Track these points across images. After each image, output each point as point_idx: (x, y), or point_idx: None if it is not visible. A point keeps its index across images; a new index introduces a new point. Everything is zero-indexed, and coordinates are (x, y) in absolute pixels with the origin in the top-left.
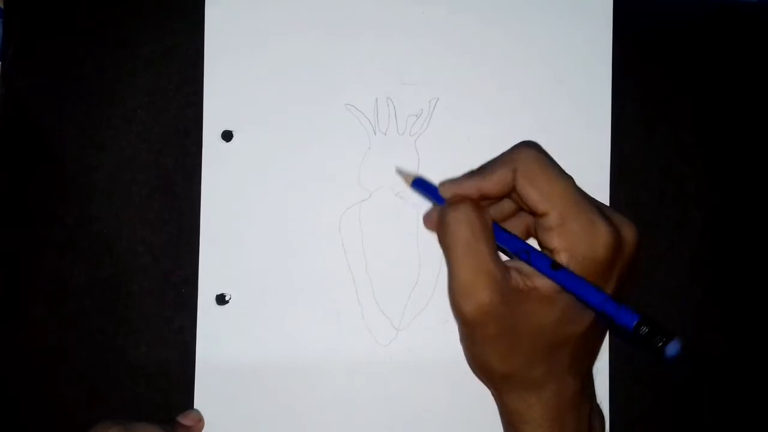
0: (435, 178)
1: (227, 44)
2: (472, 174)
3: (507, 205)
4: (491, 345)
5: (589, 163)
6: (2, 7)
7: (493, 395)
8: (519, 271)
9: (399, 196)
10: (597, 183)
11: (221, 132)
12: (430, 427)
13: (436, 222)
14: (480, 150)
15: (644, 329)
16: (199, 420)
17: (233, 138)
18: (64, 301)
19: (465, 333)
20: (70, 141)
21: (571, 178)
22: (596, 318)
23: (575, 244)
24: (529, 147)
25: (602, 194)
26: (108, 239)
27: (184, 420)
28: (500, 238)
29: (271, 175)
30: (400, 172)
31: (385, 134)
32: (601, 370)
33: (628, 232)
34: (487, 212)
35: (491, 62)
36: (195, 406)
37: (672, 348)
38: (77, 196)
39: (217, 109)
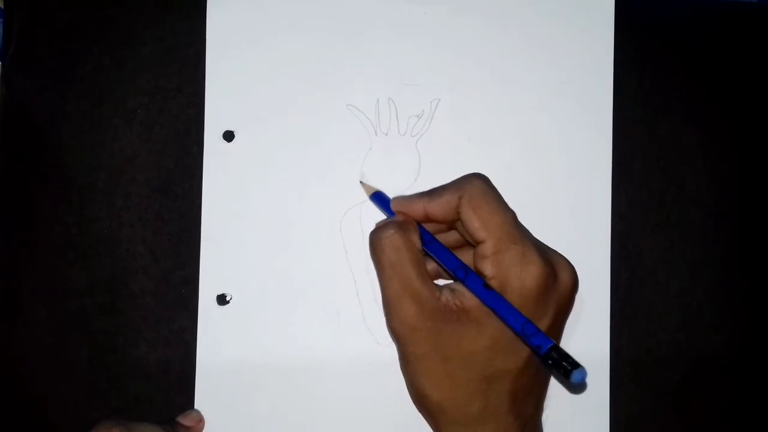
0: (436, 179)
1: (229, 44)
2: (422, 194)
3: (452, 237)
4: (423, 365)
5: (591, 163)
6: (2, 7)
7: None
8: (452, 291)
9: None
10: (598, 183)
11: (223, 132)
12: (429, 427)
13: (369, 244)
14: (481, 151)
15: (554, 355)
16: (200, 420)
17: (235, 138)
18: (64, 301)
19: (399, 354)
20: (70, 141)
21: (513, 212)
22: (533, 358)
23: (506, 272)
24: (478, 178)
25: (603, 194)
26: (108, 239)
27: (184, 420)
28: (440, 255)
29: (272, 176)
30: (363, 184)
31: (387, 135)
32: (601, 369)
33: (564, 272)
34: (414, 235)
35: (493, 63)
36: (195, 406)
37: (577, 375)
38: (77, 196)
39: (218, 109)
